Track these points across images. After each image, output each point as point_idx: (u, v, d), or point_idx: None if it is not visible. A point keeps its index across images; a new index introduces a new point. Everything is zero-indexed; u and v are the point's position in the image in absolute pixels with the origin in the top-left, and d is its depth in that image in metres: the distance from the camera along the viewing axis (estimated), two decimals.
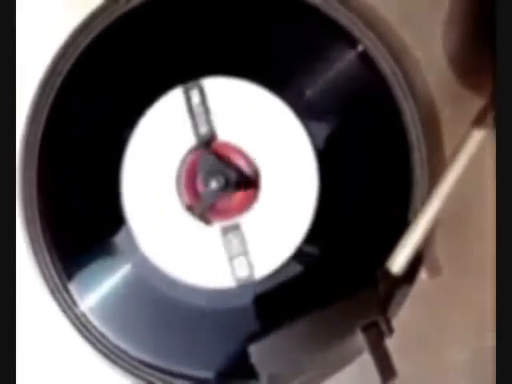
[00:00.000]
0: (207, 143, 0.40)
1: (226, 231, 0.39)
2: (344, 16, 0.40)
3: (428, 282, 0.40)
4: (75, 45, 0.40)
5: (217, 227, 0.39)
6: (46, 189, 0.40)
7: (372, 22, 0.40)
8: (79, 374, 0.41)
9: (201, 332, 0.40)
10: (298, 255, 0.39)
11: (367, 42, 0.40)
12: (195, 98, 0.39)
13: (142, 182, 0.39)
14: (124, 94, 0.40)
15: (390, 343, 0.36)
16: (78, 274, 0.40)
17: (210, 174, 0.39)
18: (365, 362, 0.36)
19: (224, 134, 0.40)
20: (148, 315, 0.40)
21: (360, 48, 0.40)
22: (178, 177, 0.40)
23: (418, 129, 0.39)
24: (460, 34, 0.41)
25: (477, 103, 0.39)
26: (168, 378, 0.39)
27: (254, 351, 0.36)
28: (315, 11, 0.40)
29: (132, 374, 0.39)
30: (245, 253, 0.39)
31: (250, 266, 0.39)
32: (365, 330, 0.36)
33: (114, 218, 0.40)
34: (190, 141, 0.39)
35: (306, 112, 0.39)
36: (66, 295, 0.40)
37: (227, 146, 0.40)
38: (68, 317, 0.40)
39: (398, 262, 0.37)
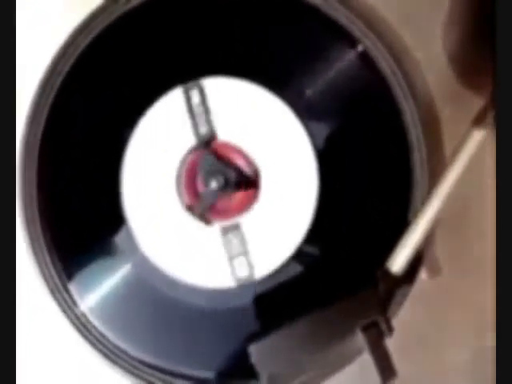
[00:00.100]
0: (207, 143, 0.40)
1: (226, 231, 0.39)
2: (344, 16, 0.40)
3: (428, 281, 0.40)
4: (75, 45, 0.40)
5: (217, 227, 0.39)
6: (46, 189, 0.40)
7: (372, 22, 0.40)
8: (79, 374, 0.41)
9: (201, 332, 0.40)
10: (298, 255, 0.39)
11: (367, 42, 0.40)
12: (195, 97, 0.39)
13: (142, 182, 0.39)
14: (124, 94, 0.40)
15: (390, 343, 0.36)
16: (78, 273, 0.40)
17: (209, 174, 0.39)
18: (365, 362, 0.36)
19: (224, 134, 0.40)
20: (148, 315, 0.40)
21: (360, 48, 0.40)
22: (178, 177, 0.40)
23: (418, 129, 0.39)
24: (460, 34, 0.41)
25: (477, 103, 0.39)
26: (168, 378, 0.39)
27: (254, 351, 0.36)
28: (315, 11, 0.40)
29: (132, 373, 0.39)
30: (245, 253, 0.39)
31: (250, 266, 0.39)
32: (365, 329, 0.36)
33: (114, 218, 0.40)
34: (190, 141, 0.39)
35: (305, 112, 0.39)
36: (66, 295, 0.40)
37: (227, 146, 0.40)
38: (68, 317, 0.40)
39: (397, 261, 0.37)
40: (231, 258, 0.39)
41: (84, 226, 0.40)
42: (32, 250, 0.40)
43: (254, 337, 0.36)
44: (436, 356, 0.41)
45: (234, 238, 0.39)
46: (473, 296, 0.41)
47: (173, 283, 0.39)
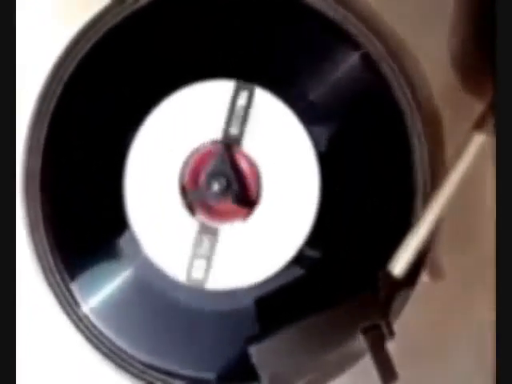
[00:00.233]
0: (229, 145, 0.40)
1: (203, 230, 0.39)
2: (345, 18, 0.40)
3: (429, 284, 0.40)
4: (81, 45, 0.40)
5: (197, 222, 0.39)
6: (49, 191, 0.40)
7: (373, 24, 0.40)
8: (81, 376, 0.41)
9: (202, 334, 0.40)
10: (299, 258, 0.39)
11: (367, 43, 0.40)
12: (242, 99, 0.39)
13: (145, 185, 0.39)
14: (128, 96, 0.40)
15: (391, 346, 0.36)
16: (80, 276, 0.40)
17: (215, 174, 0.39)
18: (366, 365, 0.36)
19: (248, 145, 0.39)
20: (150, 317, 0.40)
21: (362, 50, 0.40)
22: (186, 163, 0.39)
23: (419, 130, 0.40)
24: (461, 35, 0.41)
25: (477, 104, 0.39)
26: (169, 380, 0.39)
27: (255, 352, 0.36)
28: (317, 13, 0.40)
29: (134, 375, 0.39)
30: (208, 258, 0.39)
31: (206, 273, 0.39)
32: (366, 332, 0.36)
33: (117, 221, 0.40)
34: (193, 144, 0.40)
35: (307, 114, 0.39)
36: (68, 297, 0.40)
37: (246, 157, 0.40)
38: (70, 318, 0.40)
39: (399, 264, 0.37)
40: (194, 256, 0.39)
41: (87, 228, 0.40)
42: (35, 251, 0.40)
43: (255, 338, 0.36)
44: (437, 359, 0.41)
45: (206, 240, 0.39)
46: (474, 298, 0.41)
47: (175, 285, 0.39)
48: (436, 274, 0.40)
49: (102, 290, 0.40)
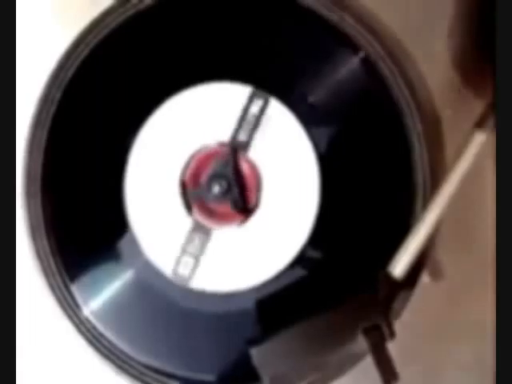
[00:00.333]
0: (235, 150, 0.39)
1: (196, 228, 0.39)
2: (344, 20, 0.40)
3: (429, 284, 0.40)
4: (84, 44, 0.40)
5: (192, 220, 0.39)
6: (50, 194, 0.40)
7: (372, 26, 0.40)
8: (81, 377, 0.41)
9: (203, 335, 0.40)
10: (300, 259, 0.39)
11: (367, 45, 0.40)
12: (255, 106, 0.39)
13: (146, 187, 0.39)
14: (129, 98, 0.40)
15: (392, 346, 0.36)
16: (81, 278, 0.40)
17: (217, 177, 0.39)
18: (367, 365, 0.36)
19: (254, 154, 0.40)
20: (150, 319, 0.40)
21: (362, 53, 0.40)
22: (189, 161, 0.39)
23: (419, 131, 0.40)
24: (461, 35, 0.41)
25: (478, 104, 0.39)
26: (171, 382, 0.40)
27: (256, 354, 0.36)
28: (317, 17, 0.40)
29: (134, 377, 0.40)
30: (196, 257, 0.39)
31: (192, 271, 0.39)
32: (367, 333, 0.36)
33: (118, 223, 0.40)
34: (192, 147, 0.40)
35: (308, 116, 0.39)
36: (69, 299, 0.40)
37: (251, 166, 0.40)
38: (72, 321, 0.40)
39: (399, 265, 0.37)
40: (183, 253, 0.39)
41: (88, 230, 0.40)
42: (36, 254, 0.40)
43: (255, 339, 0.36)
44: (437, 359, 0.41)
45: (197, 239, 0.39)
46: (474, 298, 0.41)
47: (175, 288, 0.39)
48: (436, 274, 0.40)
49: (102, 293, 0.40)
